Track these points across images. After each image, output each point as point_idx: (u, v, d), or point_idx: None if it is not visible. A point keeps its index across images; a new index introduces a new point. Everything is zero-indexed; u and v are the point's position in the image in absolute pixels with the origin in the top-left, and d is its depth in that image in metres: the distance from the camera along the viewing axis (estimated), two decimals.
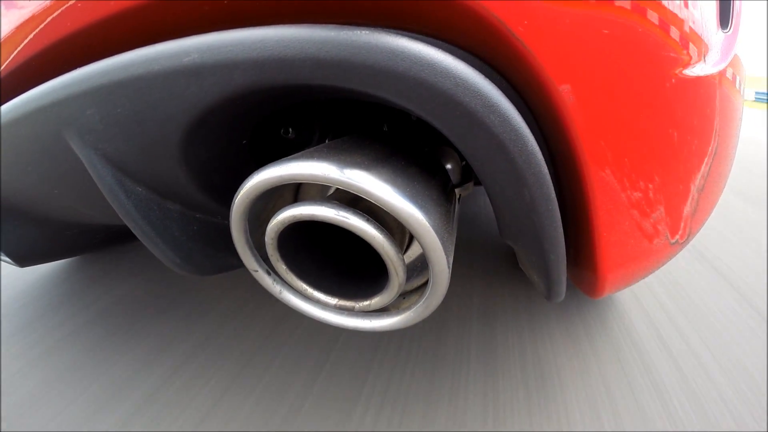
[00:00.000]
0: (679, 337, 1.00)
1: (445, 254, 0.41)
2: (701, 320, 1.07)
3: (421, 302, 0.47)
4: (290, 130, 0.66)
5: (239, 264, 0.62)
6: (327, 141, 0.71)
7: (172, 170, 0.46)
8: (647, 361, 0.91)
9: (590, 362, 0.91)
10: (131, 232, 0.51)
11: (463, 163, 0.79)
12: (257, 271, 0.51)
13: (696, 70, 0.44)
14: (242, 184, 0.42)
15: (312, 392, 0.81)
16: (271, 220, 0.44)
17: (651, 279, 1.25)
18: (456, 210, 0.59)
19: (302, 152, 0.43)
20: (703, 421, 0.76)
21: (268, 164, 0.41)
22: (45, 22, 0.43)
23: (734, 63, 0.54)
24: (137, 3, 0.37)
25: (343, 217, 0.40)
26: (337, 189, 0.54)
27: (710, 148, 0.50)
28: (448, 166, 0.75)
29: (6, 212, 0.77)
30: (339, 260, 0.58)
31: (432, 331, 1.00)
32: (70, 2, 0.40)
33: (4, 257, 0.95)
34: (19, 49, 0.46)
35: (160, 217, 0.52)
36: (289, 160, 0.40)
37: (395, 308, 0.52)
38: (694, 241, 1.48)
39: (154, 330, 1.02)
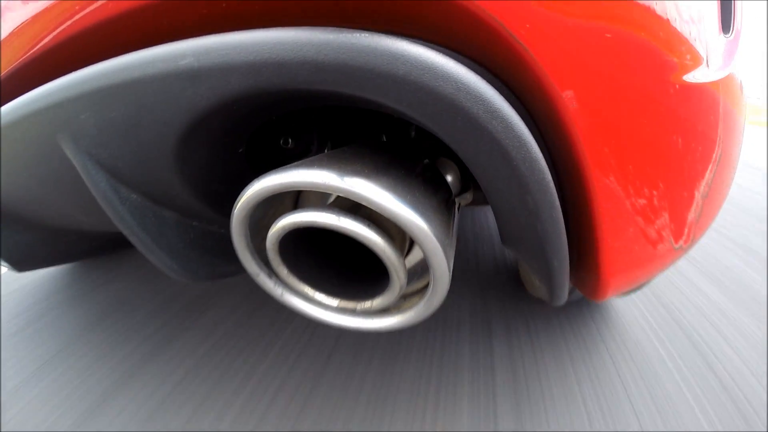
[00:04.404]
0: (678, 335, 1.00)
1: (446, 259, 0.41)
2: (700, 318, 1.07)
3: (421, 303, 0.47)
4: (289, 140, 0.66)
5: (236, 271, 0.62)
6: (325, 151, 0.71)
7: (168, 177, 0.46)
8: (647, 361, 0.91)
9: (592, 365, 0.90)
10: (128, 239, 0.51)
11: (463, 178, 0.79)
12: (259, 275, 0.51)
13: (699, 76, 0.43)
14: (243, 191, 0.42)
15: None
16: (272, 227, 0.44)
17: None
18: (456, 217, 0.59)
19: (303, 161, 0.43)
20: (703, 421, 0.75)
21: (270, 172, 0.41)
22: (42, 26, 0.42)
23: (737, 68, 0.53)
24: (133, 5, 0.37)
25: (345, 223, 0.40)
26: (338, 197, 0.54)
27: (714, 154, 0.49)
28: (448, 178, 0.75)
29: (3, 217, 0.77)
30: (340, 262, 0.58)
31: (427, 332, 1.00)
32: (67, 6, 0.40)
33: (2, 262, 0.94)
34: (18, 52, 0.45)
35: (155, 225, 0.51)
36: (291, 168, 0.40)
37: (396, 309, 0.52)
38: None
39: (153, 330, 1.02)
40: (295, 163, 0.42)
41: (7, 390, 0.84)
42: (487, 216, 1.80)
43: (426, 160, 0.62)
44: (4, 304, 1.16)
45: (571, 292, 0.89)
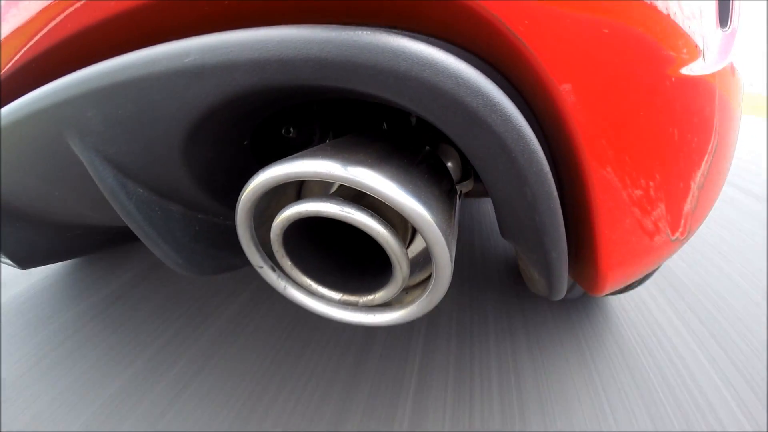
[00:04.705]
0: (678, 335, 1.00)
1: (448, 248, 0.41)
2: (700, 319, 1.07)
3: (424, 296, 0.48)
4: (291, 129, 0.66)
5: (241, 264, 0.63)
6: (328, 140, 0.72)
7: (174, 171, 0.46)
8: (648, 360, 0.91)
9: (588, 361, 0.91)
10: (133, 233, 0.51)
11: (465, 165, 0.79)
12: (262, 267, 0.52)
13: (696, 69, 0.43)
14: (248, 182, 0.42)
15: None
16: (276, 217, 0.45)
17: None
18: (458, 206, 0.60)
19: (307, 150, 0.44)
20: (703, 421, 0.76)
21: (274, 162, 0.41)
22: (45, 24, 0.43)
23: (734, 61, 0.54)
24: (137, 4, 0.37)
25: (347, 212, 0.41)
26: (340, 186, 0.55)
27: (710, 146, 0.49)
28: (449, 164, 0.75)
29: (6, 214, 0.77)
30: (343, 256, 0.58)
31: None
32: (71, 3, 0.40)
33: (4, 259, 0.95)
34: (19, 50, 0.46)
35: (161, 219, 0.52)
36: (295, 158, 0.40)
37: (398, 303, 0.52)
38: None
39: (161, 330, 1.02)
40: (299, 153, 0.43)
41: (6, 389, 0.85)
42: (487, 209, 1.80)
43: (427, 148, 0.62)
44: (5, 303, 1.17)
45: (570, 290, 0.90)
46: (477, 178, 0.75)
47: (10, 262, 0.96)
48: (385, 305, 0.52)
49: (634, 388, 0.84)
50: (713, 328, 1.03)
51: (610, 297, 1.13)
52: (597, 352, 0.93)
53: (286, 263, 0.50)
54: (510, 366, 0.89)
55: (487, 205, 1.82)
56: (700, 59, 0.44)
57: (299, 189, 0.60)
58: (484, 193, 0.88)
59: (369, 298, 0.51)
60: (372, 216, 0.41)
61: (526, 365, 0.90)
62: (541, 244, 0.45)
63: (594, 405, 0.79)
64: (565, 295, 0.91)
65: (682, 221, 0.53)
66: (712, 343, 0.98)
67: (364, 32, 0.32)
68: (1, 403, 0.81)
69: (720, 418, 0.77)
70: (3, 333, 1.03)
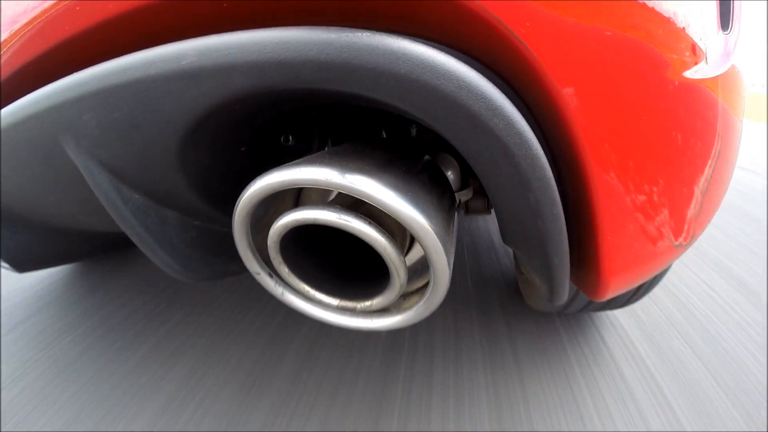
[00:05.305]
0: (678, 336, 1.00)
1: (446, 256, 0.41)
2: (700, 319, 1.07)
3: (421, 302, 0.47)
4: (290, 138, 0.66)
5: (238, 270, 0.62)
6: (326, 148, 0.72)
7: (170, 176, 0.46)
8: (646, 361, 0.91)
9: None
10: (129, 238, 0.51)
11: (465, 175, 0.79)
12: (259, 273, 0.51)
13: (698, 73, 0.43)
14: (245, 188, 0.42)
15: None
16: (273, 224, 0.44)
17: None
18: (456, 214, 0.60)
19: (304, 158, 0.44)
20: (702, 421, 0.75)
21: (272, 169, 0.41)
22: (43, 26, 0.42)
23: (736, 64, 0.53)
24: (135, 6, 0.37)
25: (345, 220, 0.40)
26: (338, 194, 0.55)
27: (713, 150, 0.49)
28: (449, 174, 0.76)
29: (4, 219, 0.77)
30: (340, 262, 0.58)
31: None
32: (68, 6, 0.40)
33: (2, 263, 0.94)
34: (17, 53, 0.45)
35: (158, 224, 0.51)
36: (292, 166, 0.40)
37: (396, 308, 0.52)
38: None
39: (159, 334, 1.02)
40: (297, 160, 0.43)
41: (6, 388, 0.84)
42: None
43: (426, 157, 0.62)
44: (4, 305, 1.16)
45: (570, 303, 0.89)
46: (477, 191, 0.75)
47: (8, 266, 0.96)
48: (383, 310, 0.52)
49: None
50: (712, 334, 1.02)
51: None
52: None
53: (284, 270, 0.50)
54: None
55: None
56: (703, 63, 0.44)
57: (297, 196, 0.60)
58: (485, 210, 0.88)
59: (366, 304, 0.51)
60: (370, 224, 0.41)
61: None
62: (543, 249, 0.45)
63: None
64: (565, 309, 0.91)
65: (686, 226, 0.52)
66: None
67: (364, 34, 0.32)
68: (0, 403, 0.80)
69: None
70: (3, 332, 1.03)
